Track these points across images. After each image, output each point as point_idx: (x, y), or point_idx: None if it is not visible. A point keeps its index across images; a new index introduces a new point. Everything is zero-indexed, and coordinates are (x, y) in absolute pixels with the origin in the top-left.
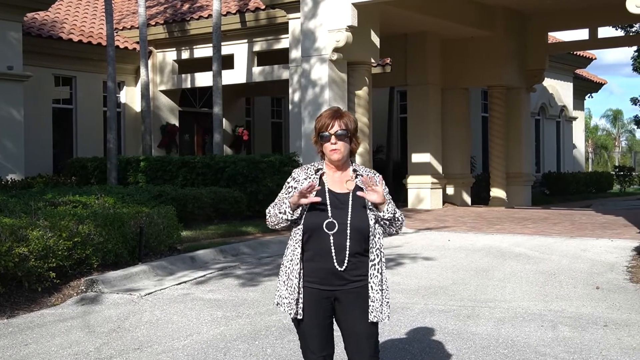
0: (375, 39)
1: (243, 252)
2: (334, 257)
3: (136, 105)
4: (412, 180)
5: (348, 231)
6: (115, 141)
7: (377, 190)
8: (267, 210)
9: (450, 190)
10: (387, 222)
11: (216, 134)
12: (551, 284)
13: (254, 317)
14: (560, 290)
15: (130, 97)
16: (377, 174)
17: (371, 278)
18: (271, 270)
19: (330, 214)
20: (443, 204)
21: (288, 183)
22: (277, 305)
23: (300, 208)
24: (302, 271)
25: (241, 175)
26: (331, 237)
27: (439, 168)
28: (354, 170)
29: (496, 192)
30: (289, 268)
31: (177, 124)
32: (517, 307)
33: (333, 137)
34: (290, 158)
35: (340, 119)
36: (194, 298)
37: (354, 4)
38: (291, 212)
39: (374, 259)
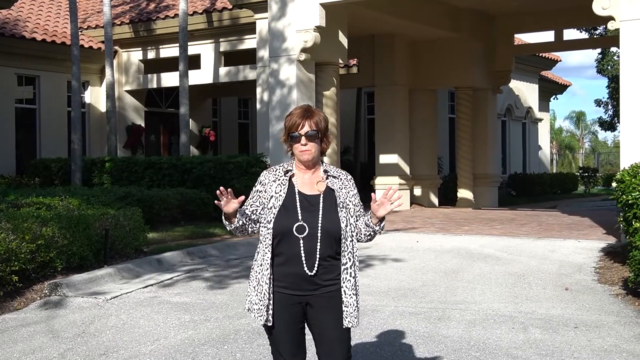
0: (343, 39)
1: (210, 254)
2: (304, 262)
3: (101, 105)
4: (379, 182)
5: (319, 234)
6: (80, 142)
7: (387, 208)
8: None
9: (417, 191)
10: (371, 234)
11: (182, 135)
12: (520, 285)
13: (223, 321)
14: (530, 291)
15: (95, 97)
16: (349, 175)
17: (344, 282)
18: (239, 272)
19: (300, 217)
20: (411, 205)
21: (255, 187)
22: (247, 310)
23: (239, 216)
24: (272, 276)
25: (208, 177)
26: (301, 241)
27: (407, 169)
28: (325, 171)
29: (463, 193)
30: (259, 273)
31: (142, 125)
32: (488, 309)
33: (303, 137)
34: (258, 159)
35: (310, 118)
36: (161, 301)
37: (322, 5)
38: (227, 222)
39: (347, 263)
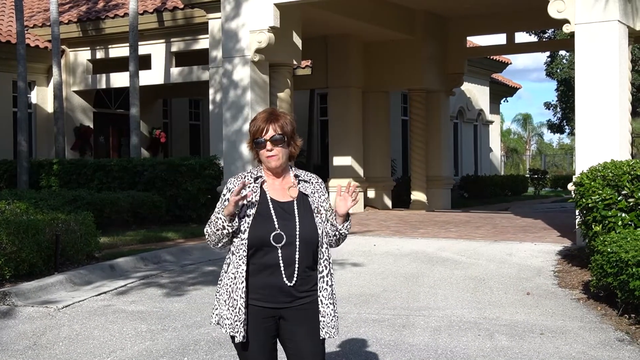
0: (298, 40)
1: (165, 260)
2: (283, 272)
3: (48, 106)
4: (333, 184)
5: (297, 243)
6: (26, 143)
7: (348, 204)
8: (205, 231)
9: (371, 193)
10: (337, 236)
11: (133, 136)
12: (482, 290)
13: (181, 331)
14: (492, 296)
15: (42, 97)
16: (319, 179)
17: (320, 291)
18: (195, 278)
19: (277, 226)
20: (364, 208)
21: (224, 195)
22: (216, 324)
23: (237, 217)
24: (246, 289)
25: (160, 179)
26: (279, 251)
27: (360, 171)
28: (296, 176)
29: (417, 196)
30: (230, 286)
31: (91, 126)
32: (452, 315)
33: (269, 143)
34: (211, 161)
35: (275, 122)
36: (115, 310)
37: (276, 5)
38: (229, 223)
39: (323, 271)
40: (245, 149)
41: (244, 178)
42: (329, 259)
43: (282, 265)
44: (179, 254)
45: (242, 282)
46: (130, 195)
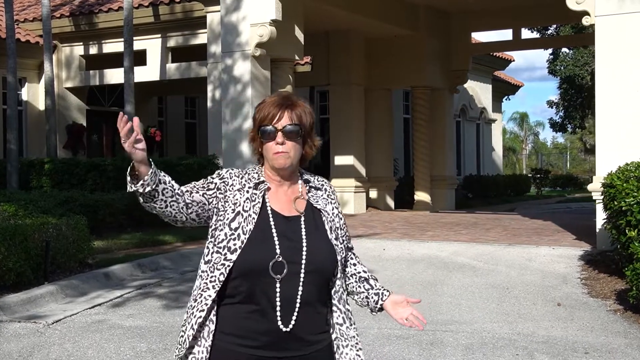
0: (300, 35)
1: (163, 266)
2: (279, 313)
3: (40, 103)
4: (335, 184)
5: (302, 274)
6: (17, 142)
7: (404, 315)
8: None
9: (373, 193)
10: (358, 303)
11: None
12: (508, 300)
13: None
14: (520, 307)
15: (33, 94)
16: (331, 186)
17: (339, 333)
18: None
19: (278, 250)
20: (367, 208)
21: (211, 179)
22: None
23: (151, 176)
24: (214, 324)
25: None
26: (277, 284)
27: (362, 171)
28: (306, 181)
29: (420, 196)
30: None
31: (84, 124)
32: (482, 331)
33: (280, 134)
34: (209, 161)
35: (292, 109)
36: (111, 325)
37: None
38: (134, 181)
39: (337, 303)
40: (246, 147)
41: (242, 178)
42: (343, 285)
43: (279, 303)
44: (178, 259)
45: (204, 310)
46: (125, 197)
